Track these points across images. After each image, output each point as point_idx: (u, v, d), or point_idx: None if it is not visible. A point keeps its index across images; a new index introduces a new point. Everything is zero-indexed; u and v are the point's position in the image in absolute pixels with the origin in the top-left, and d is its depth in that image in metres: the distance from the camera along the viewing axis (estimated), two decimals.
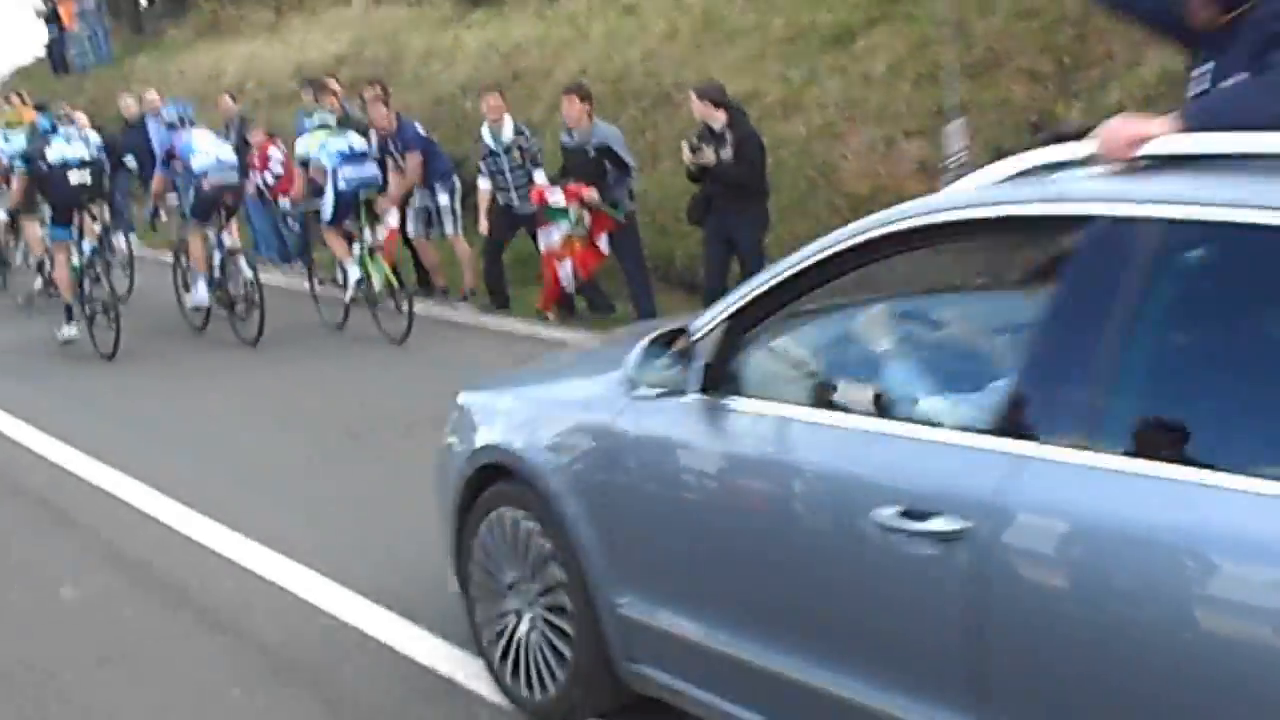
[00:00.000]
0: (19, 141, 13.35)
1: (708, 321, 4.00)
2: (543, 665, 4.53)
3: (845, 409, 3.59)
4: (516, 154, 12.09)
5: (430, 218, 13.01)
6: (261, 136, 15.57)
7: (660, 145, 13.85)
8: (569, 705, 4.47)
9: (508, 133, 12.14)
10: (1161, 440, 2.89)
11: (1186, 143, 3.20)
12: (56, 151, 11.95)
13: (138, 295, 13.89)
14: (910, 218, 3.54)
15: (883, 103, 12.26)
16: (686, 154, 10.39)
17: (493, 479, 4.70)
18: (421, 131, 12.96)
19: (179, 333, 12.54)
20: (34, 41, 40.83)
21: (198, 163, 12.26)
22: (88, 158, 12.09)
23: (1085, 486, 2.94)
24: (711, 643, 3.89)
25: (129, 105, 18.02)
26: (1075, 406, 3.04)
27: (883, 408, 3.54)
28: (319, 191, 12.28)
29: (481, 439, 4.76)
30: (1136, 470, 2.87)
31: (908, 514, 3.22)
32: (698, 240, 11.63)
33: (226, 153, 12.66)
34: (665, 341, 4.10)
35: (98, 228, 12.45)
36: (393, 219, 12.51)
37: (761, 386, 3.86)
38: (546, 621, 4.50)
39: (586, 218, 11.45)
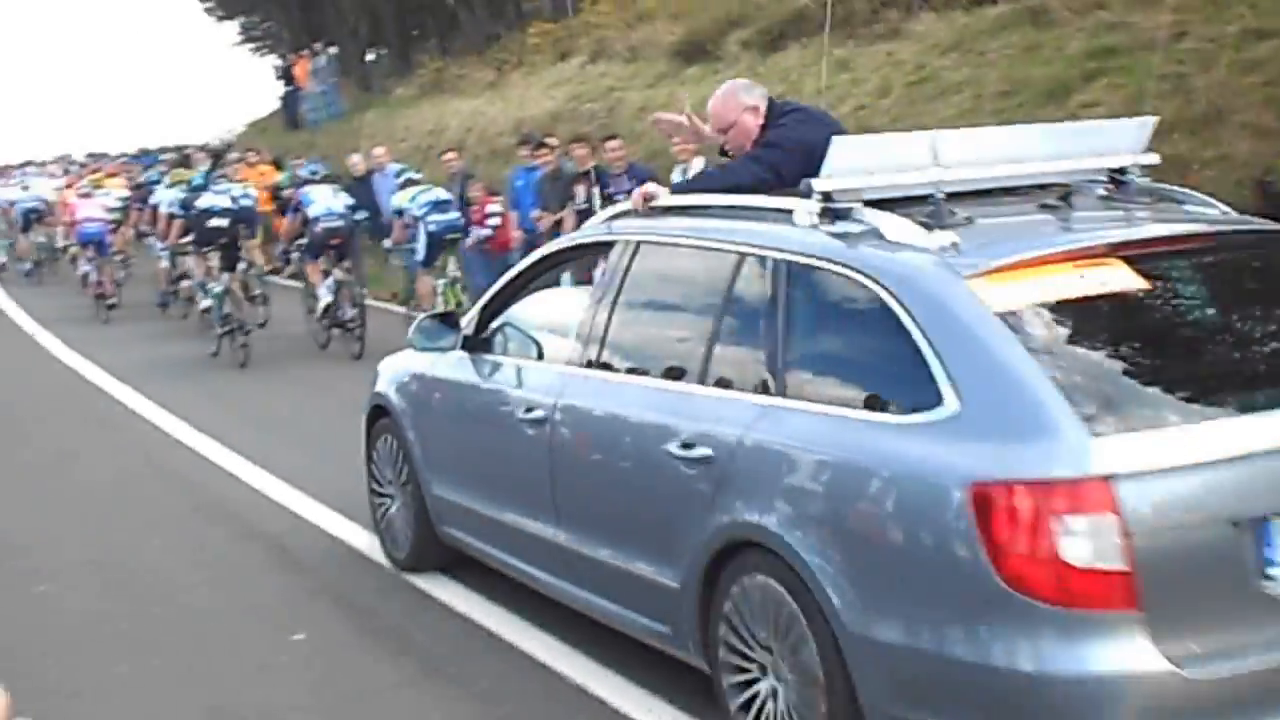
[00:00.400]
0: (117, 197, 18.64)
1: (471, 310, 6.84)
2: (399, 527, 7.23)
3: (544, 359, 6.20)
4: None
5: None
6: (480, 192, 16.03)
7: None
8: (419, 554, 7.10)
9: (695, 169, 12.36)
10: (633, 363, 5.53)
11: (667, 199, 5.70)
12: (205, 201, 15.34)
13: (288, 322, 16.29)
14: (568, 241, 6.72)
15: None
16: None
17: (381, 414, 7.38)
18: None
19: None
20: (268, 96, 42.53)
21: (313, 211, 15.07)
22: (231, 207, 15.35)
23: (591, 389, 5.61)
24: (471, 505, 6.54)
25: (356, 163, 18.73)
26: (592, 339, 5.65)
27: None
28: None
29: (375, 389, 7.44)
30: (622, 381, 5.50)
31: (530, 415, 5.85)
32: None
33: (338, 204, 15.25)
34: (441, 320, 6.92)
35: (242, 264, 15.72)
36: None
37: (499, 347, 6.54)
38: (404, 500, 7.15)
39: None
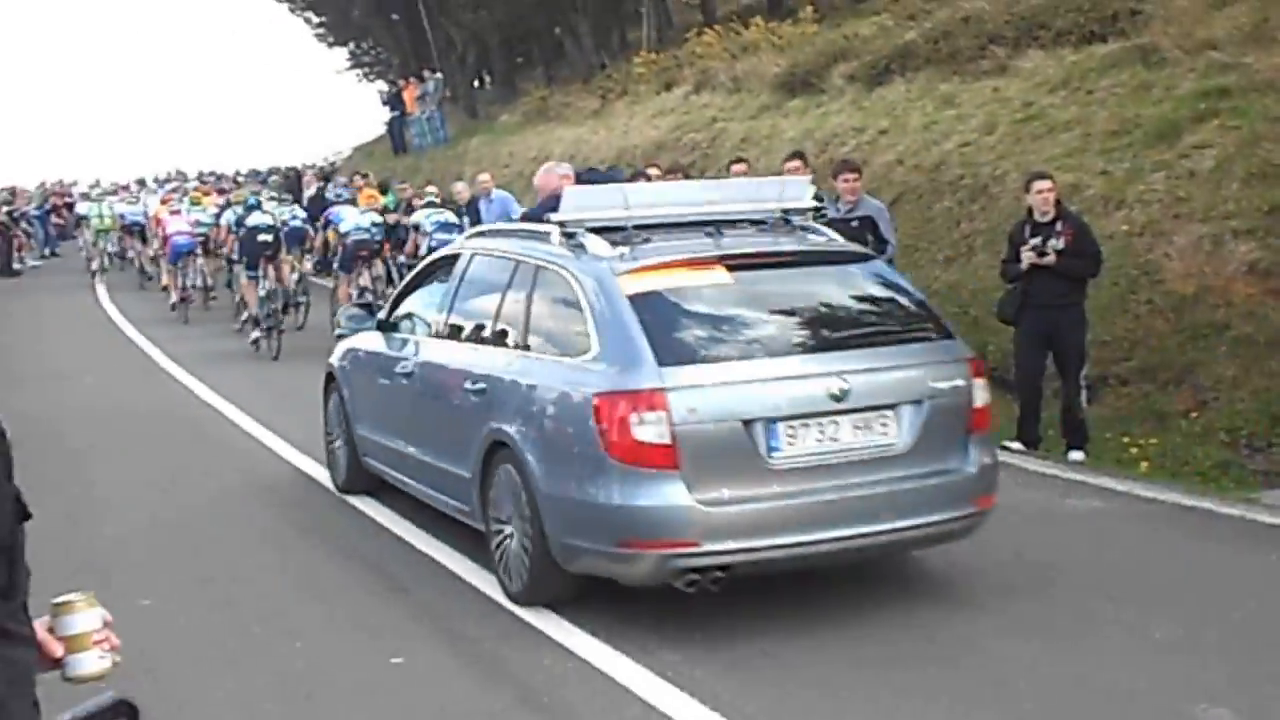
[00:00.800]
0: (210, 214, 22.90)
1: (388, 302, 9.51)
2: (340, 461, 9.82)
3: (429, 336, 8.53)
4: (810, 218, 12.25)
5: None
6: None
7: (976, 237, 13.83)
8: (351, 480, 9.66)
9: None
10: (457, 332, 8.18)
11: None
12: (254, 219, 18.25)
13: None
14: (441, 252, 9.53)
15: (1209, 201, 11.95)
16: (1031, 256, 10.26)
17: (330, 379, 10.07)
18: None
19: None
20: (373, 121, 43.15)
21: (344, 227, 18.39)
22: (274, 225, 18.37)
23: (434, 350, 8.34)
24: (376, 439, 9.03)
25: (461, 190, 18.99)
26: (440, 317, 8.37)
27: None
28: None
29: (328, 361, 10.14)
30: (454, 348, 8.08)
31: (403, 370, 8.57)
32: (1012, 336, 11.54)
33: (365, 221, 18.19)
34: (362, 309, 10.05)
35: (289, 272, 18.75)
36: None
37: (401, 328, 8.98)
38: (343, 439, 9.69)
39: None
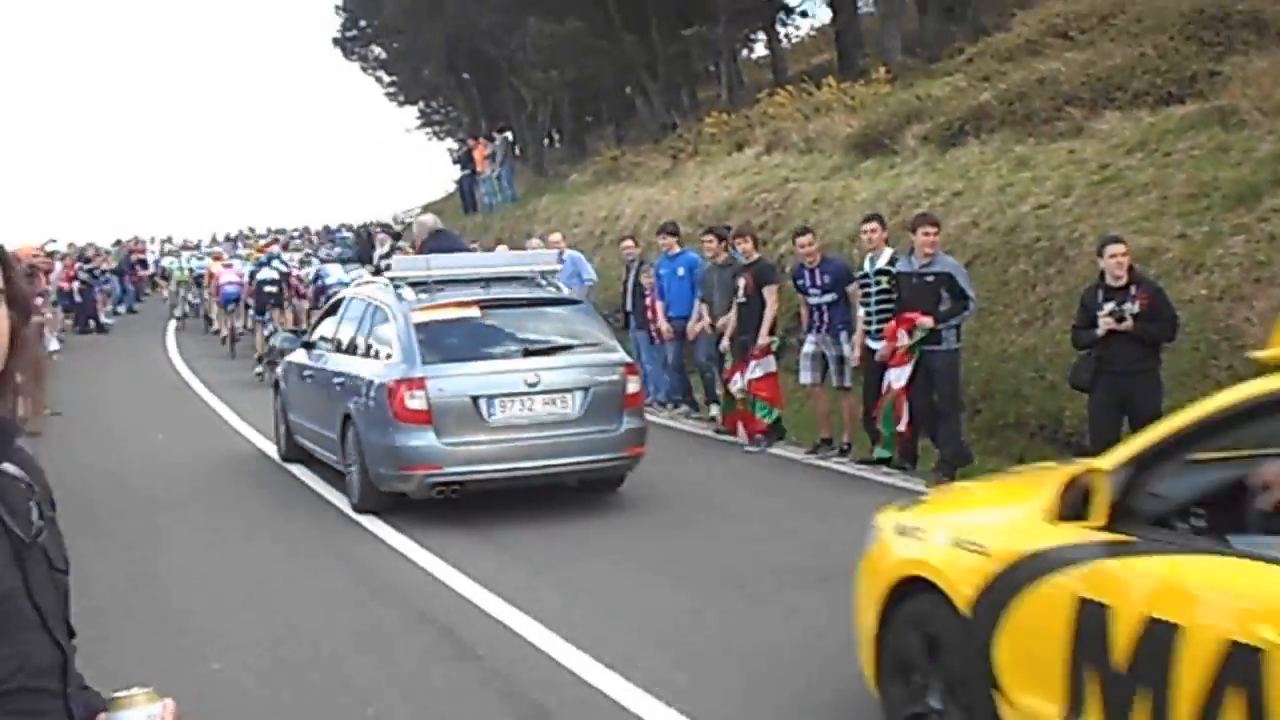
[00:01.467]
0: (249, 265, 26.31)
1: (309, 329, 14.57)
2: (283, 439, 14.23)
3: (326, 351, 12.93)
4: (884, 281, 12.23)
5: (826, 365, 13.19)
6: (651, 279, 16.24)
7: (1053, 301, 13.67)
8: (287, 451, 14.16)
9: (883, 260, 12.35)
10: (339, 347, 12.66)
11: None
12: (263, 274, 23.54)
13: None
14: (341, 294, 14.38)
15: None
16: (1109, 321, 10.14)
17: (276, 384, 14.80)
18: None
19: None
20: (443, 179, 43.53)
21: (329, 280, 22.59)
22: (276, 278, 23.46)
23: (324, 359, 12.85)
24: (298, 420, 13.53)
25: (534, 245, 19.13)
26: (331, 338, 12.92)
27: (330, 349, 12.83)
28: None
29: (276, 373, 15.41)
30: (340, 358, 12.43)
31: (310, 374, 13.20)
32: (1086, 403, 11.39)
33: (347, 276, 21.17)
34: (295, 334, 15.64)
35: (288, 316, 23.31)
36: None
37: (315, 345, 13.28)
38: (284, 424, 14.06)
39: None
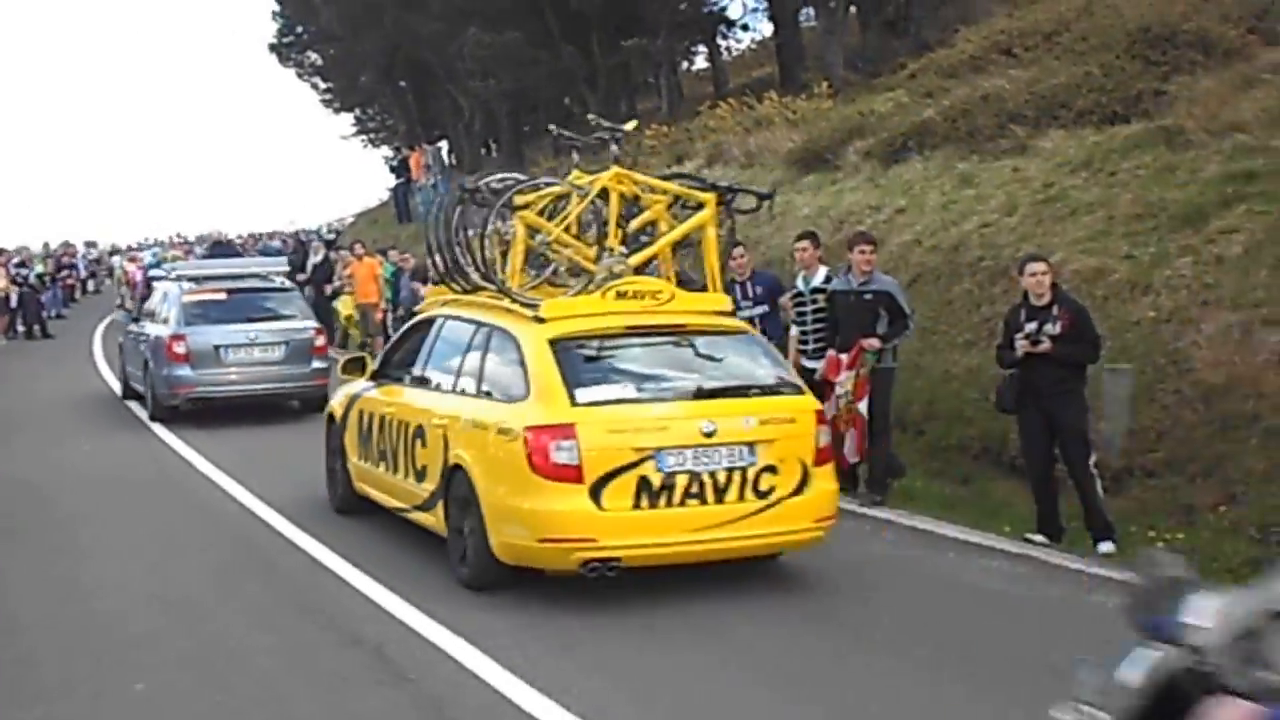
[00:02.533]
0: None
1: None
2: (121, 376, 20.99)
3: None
4: (821, 300, 12.06)
5: None
6: None
7: (996, 321, 13.44)
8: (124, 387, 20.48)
9: (818, 278, 12.15)
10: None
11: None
12: (152, 272, 25.36)
13: None
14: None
15: (1238, 288, 11.63)
16: (1024, 344, 9.98)
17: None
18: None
19: None
20: (377, 187, 43.32)
21: (152, 273, 26.88)
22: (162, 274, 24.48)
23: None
24: (128, 367, 20.09)
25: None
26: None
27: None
28: None
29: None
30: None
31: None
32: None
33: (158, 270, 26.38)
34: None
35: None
36: None
37: (144, 318, 20.38)
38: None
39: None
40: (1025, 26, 20.25)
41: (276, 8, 47.84)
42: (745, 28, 37.34)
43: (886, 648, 7.74)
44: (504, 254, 10.25)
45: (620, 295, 9.16)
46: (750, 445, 8.53)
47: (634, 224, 10.28)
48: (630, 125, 11.83)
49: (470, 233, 10.46)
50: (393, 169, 40.13)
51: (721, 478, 8.42)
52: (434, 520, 9.49)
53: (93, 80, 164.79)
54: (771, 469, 8.54)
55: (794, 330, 12.41)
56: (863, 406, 11.32)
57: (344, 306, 25.40)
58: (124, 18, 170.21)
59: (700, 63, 41.54)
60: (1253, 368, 10.92)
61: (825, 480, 8.90)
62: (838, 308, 11.74)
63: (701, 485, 8.38)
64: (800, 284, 12.39)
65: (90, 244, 52.45)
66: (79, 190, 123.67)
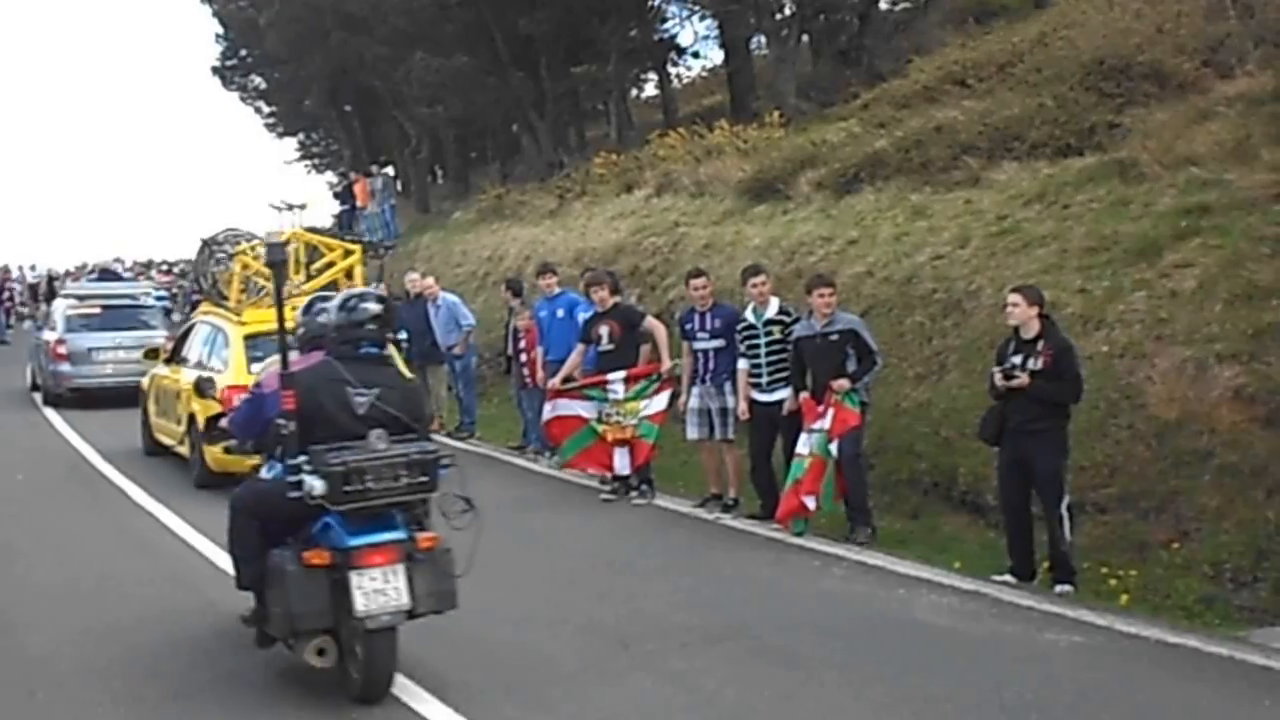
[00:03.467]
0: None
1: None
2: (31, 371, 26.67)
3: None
4: (776, 331, 11.84)
5: (712, 420, 12.62)
6: (527, 322, 15.78)
7: (949, 355, 13.32)
8: (31, 381, 25.79)
9: (772, 310, 11.96)
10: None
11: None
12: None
13: None
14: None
15: (1192, 322, 11.47)
16: (999, 379, 9.77)
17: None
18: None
19: None
20: (321, 214, 42.75)
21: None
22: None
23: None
24: (34, 365, 26.23)
25: (414, 280, 18.75)
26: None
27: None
28: None
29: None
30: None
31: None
32: (984, 459, 11.03)
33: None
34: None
35: None
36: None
37: (44, 327, 26.53)
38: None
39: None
40: (979, 57, 20.18)
41: (220, 30, 47.35)
42: (696, 55, 37.34)
43: (837, 687, 7.51)
44: (229, 282, 16.85)
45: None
46: None
47: (317, 265, 18.05)
48: (303, 203, 16.73)
49: (218, 267, 17.68)
50: (337, 195, 39.75)
51: None
52: (185, 450, 14.69)
53: (36, 104, 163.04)
54: None
55: (742, 364, 12.16)
56: (834, 447, 11.09)
57: None
58: (64, 41, 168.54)
59: (650, 90, 41.51)
60: (1206, 403, 10.76)
61: None
62: (804, 353, 11.53)
63: None
64: (751, 316, 12.14)
65: (31, 267, 51.80)
66: (16, 215, 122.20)
